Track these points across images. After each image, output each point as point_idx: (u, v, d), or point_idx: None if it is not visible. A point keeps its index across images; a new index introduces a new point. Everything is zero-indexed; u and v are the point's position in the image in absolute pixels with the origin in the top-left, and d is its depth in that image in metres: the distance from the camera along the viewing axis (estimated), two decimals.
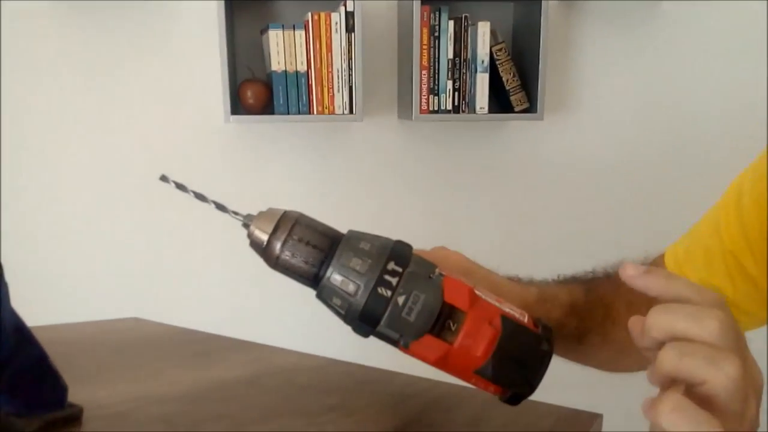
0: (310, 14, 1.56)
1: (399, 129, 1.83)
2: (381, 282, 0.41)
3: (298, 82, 1.58)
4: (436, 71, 1.62)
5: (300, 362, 0.66)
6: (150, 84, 1.71)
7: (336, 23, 1.57)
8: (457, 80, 1.64)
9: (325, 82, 1.58)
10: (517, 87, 1.70)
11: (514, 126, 1.86)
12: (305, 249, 0.43)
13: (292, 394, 0.56)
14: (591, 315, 0.61)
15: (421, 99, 1.62)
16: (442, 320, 0.42)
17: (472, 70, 1.65)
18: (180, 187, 0.50)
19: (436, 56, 1.62)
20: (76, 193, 1.74)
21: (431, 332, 0.42)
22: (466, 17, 1.62)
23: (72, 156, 1.72)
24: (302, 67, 1.57)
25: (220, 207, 0.50)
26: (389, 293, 0.41)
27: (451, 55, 1.62)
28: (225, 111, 1.55)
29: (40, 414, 0.41)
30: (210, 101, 1.67)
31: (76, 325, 0.78)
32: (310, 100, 1.59)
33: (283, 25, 1.56)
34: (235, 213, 0.49)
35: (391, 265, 0.42)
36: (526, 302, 0.58)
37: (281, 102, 1.58)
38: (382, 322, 0.41)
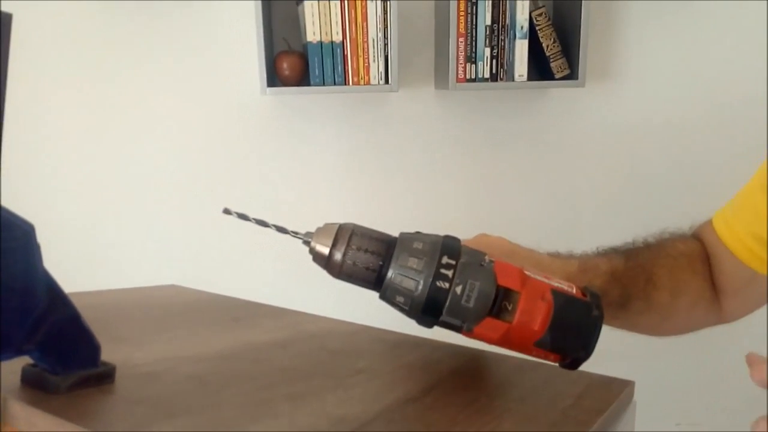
0: None
1: (436, 99, 1.80)
2: (438, 276, 0.45)
3: (333, 52, 1.57)
4: (474, 38, 1.59)
5: (332, 328, 0.66)
6: (186, 57, 1.73)
7: None
8: (495, 47, 1.60)
9: (360, 52, 1.57)
10: (557, 53, 1.65)
11: (555, 94, 1.81)
12: (365, 256, 0.47)
13: (321, 358, 0.57)
14: (632, 281, 0.63)
15: (458, 67, 1.59)
16: (499, 302, 0.47)
17: (511, 37, 1.61)
18: (242, 216, 0.54)
19: (474, 23, 1.58)
20: (115, 165, 1.78)
21: (490, 314, 0.46)
22: None
23: (112, 128, 1.76)
24: (338, 38, 1.57)
25: (281, 229, 0.54)
26: (447, 285, 0.45)
27: (489, 22, 1.59)
28: (261, 83, 1.56)
29: (73, 371, 0.42)
30: (246, 74, 1.68)
31: (115, 291, 0.80)
32: (345, 71, 1.58)
33: None
34: (295, 233, 0.52)
35: (445, 259, 0.46)
36: (569, 274, 0.61)
37: (317, 73, 1.58)
38: (444, 312, 0.46)
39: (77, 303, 0.43)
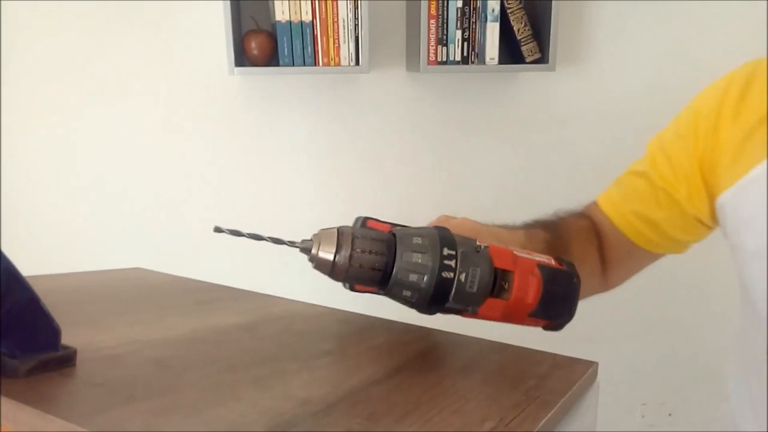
0: None
1: (407, 81, 1.80)
2: (443, 267, 0.48)
3: (303, 32, 1.55)
4: (445, 20, 1.59)
5: (298, 310, 0.66)
6: (153, 36, 1.69)
7: None
8: (467, 30, 1.60)
9: (330, 33, 1.56)
10: (528, 37, 1.66)
11: (525, 77, 1.82)
12: (369, 258, 0.49)
13: (287, 340, 0.57)
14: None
15: (429, 50, 1.59)
16: (497, 283, 0.51)
17: (482, 20, 1.61)
18: (234, 233, 0.53)
19: (445, 5, 1.58)
20: (80, 145, 1.74)
21: (491, 295, 0.50)
22: None
23: (79, 109, 1.72)
24: (307, 17, 1.55)
25: (276, 241, 0.53)
26: (452, 275, 0.48)
27: (460, 4, 1.59)
28: (229, 63, 1.54)
29: (32, 355, 0.41)
30: (214, 53, 1.65)
31: (78, 274, 0.79)
32: (315, 52, 1.56)
33: None
34: (292, 243, 0.52)
35: (446, 251, 0.48)
36: (521, 244, 0.64)
37: (286, 53, 1.56)
38: (450, 300, 0.49)
39: (38, 286, 0.42)
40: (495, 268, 0.50)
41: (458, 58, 1.61)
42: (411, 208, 1.81)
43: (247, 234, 0.54)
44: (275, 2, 1.53)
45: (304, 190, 1.81)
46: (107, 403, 0.37)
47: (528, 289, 0.52)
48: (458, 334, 0.59)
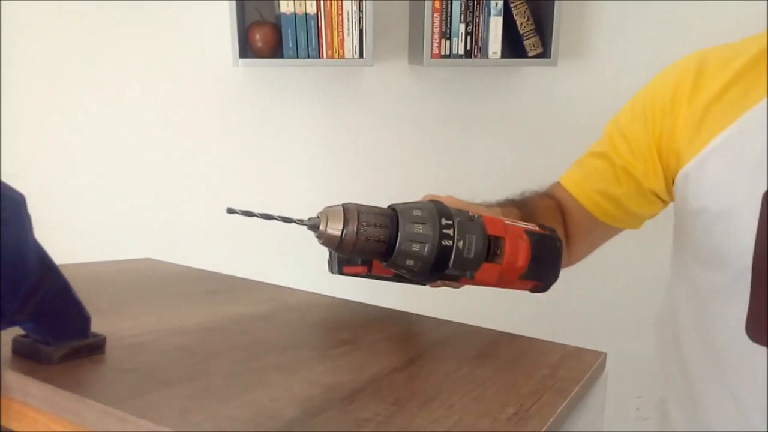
0: None
1: (410, 74, 1.81)
2: (443, 236, 0.51)
3: (307, 24, 1.56)
4: (449, 14, 1.59)
5: (310, 301, 0.68)
6: (158, 28, 1.69)
7: None
8: (470, 24, 1.61)
9: (335, 25, 1.56)
10: (531, 31, 1.67)
11: (528, 71, 1.83)
12: (375, 231, 0.51)
13: (304, 330, 0.58)
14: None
15: (432, 43, 1.60)
16: (491, 249, 0.54)
17: (486, 14, 1.62)
18: (246, 213, 0.54)
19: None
20: (87, 137, 1.75)
21: (486, 260, 0.54)
22: None
23: (85, 101, 1.72)
24: (312, 10, 1.55)
25: (286, 219, 0.54)
26: (450, 243, 0.51)
27: None
28: (233, 54, 1.54)
29: (64, 342, 0.42)
30: (218, 44, 1.65)
31: (92, 264, 0.80)
32: (319, 44, 1.57)
33: None
34: (300, 221, 0.53)
35: (444, 221, 0.52)
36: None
37: (290, 45, 1.56)
38: (450, 266, 0.52)
39: None
40: (488, 235, 0.54)
41: (461, 51, 1.62)
42: (412, 197, 1.82)
43: (258, 214, 0.55)
44: None
45: (306, 180, 1.82)
46: (142, 387, 0.38)
47: (518, 253, 0.56)
48: (468, 325, 0.61)
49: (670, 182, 0.76)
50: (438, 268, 0.52)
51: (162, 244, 1.79)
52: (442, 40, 1.60)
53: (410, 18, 1.76)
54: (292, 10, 1.54)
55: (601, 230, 0.84)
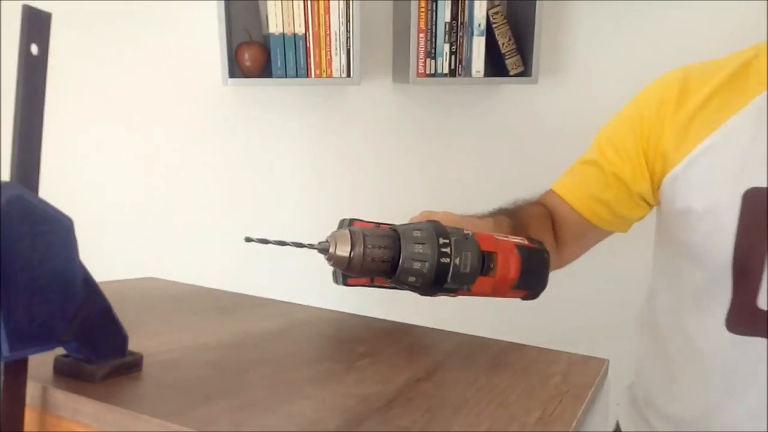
0: None
1: (395, 92, 1.84)
2: (441, 255, 0.56)
3: (296, 45, 1.58)
4: (434, 35, 1.64)
5: (320, 316, 0.70)
6: (148, 48, 1.70)
7: None
8: (454, 44, 1.66)
9: (323, 45, 1.59)
10: (512, 51, 1.72)
11: (509, 89, 1.88)
12: (379, 252, 0.55)
13: (322, 344, 0.60)
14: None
15: (418, 62, 1.64)
16: (485, 263, 0.59)
17: (469, 34, 1.66)
18: (263, 241, 0.58)
19: (434, 19, 1.63)
20: (77, 156, 1.74)
21: (480, 274, 0.59)
22: None
23: (74, 119, 1.72)
24: (300, 30, 1.58)
25: (298, 245, 0.58)
26: (448, 260, 0.56)
27: (448, 18, 1.64)
28: (223, 74, 1.56)
29: (105, 360, 0.44)
30: (207, 64, 1.67)
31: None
32: (308, 63, 1.60)
33: None
34: (311, 245, 0.57)
35: (442, 240, 0.56)
36: (492, 230, 0.73)
37: (279, 65, 1.59)
38: (448, 281, 0.56)
39: None
40: (482, 251, 0.59)
41: (446, 70, 1.66)
42: (398, 213, 1.84)
43: (273, 241, 0.59)
44: (269, 15, 1.56)
45: (295, 198, 1.84)
46: (189, 402, 0.40)
47: (510, 266, 0.61)
48: (474, 336, 0.64)
49: (656, 186, 0.83)
50: (438, 283, 0.57)
51: (150, 261, 1.79)
52: (428, 60, 1.65)
53: (394, 38, 1.80)
54: (281, 31, 1.57)
55: (593, 233, 0.91)
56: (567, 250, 0.91)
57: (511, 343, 0.63)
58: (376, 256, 0.55)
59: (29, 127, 0.41)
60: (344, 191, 1.86)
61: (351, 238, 0.55)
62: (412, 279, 0.56)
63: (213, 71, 1.62)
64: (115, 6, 1.66)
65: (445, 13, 1.63)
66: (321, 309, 0.72)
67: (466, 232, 0.59)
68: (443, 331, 0.65)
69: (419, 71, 1.64)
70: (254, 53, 1.62)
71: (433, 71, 1.66)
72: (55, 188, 1.72)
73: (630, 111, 0.86)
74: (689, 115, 0.78)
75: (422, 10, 1.61)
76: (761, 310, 0.75)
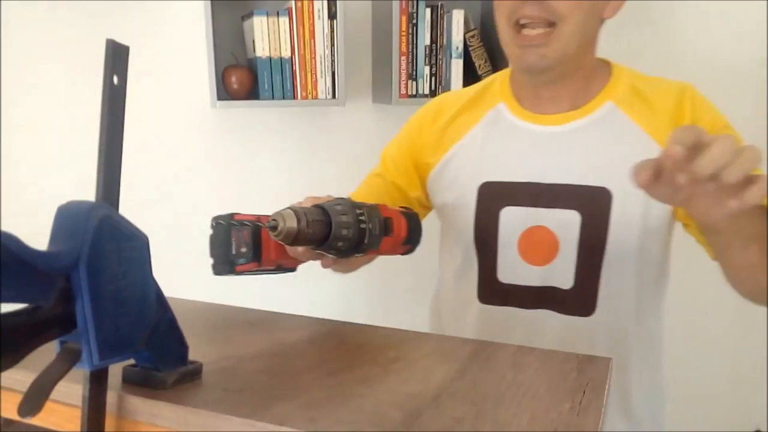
0: (293, 2, 1.60)
1: (376, 112, 1.90)
2: (360, 222, 0.67)
3: (282, 67, 1.63)
4: (415, 57, 1.70)
5: (337, 328, 0.73)
6: (136, 72, 1.72)
7: (319, 10, 1.62)
8: (434, 66, 1.72)
9: (308, 68, 1.64)
10: (488, 72, 1.80)
11: None
12: (318, 223, 0.64)
13: (353, 351, 0.64)
14: None
15: (400, 84, 1.70)
16: (387, 227, 0.73)
17: (448, 56, 1.73)
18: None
19: (414, 43, 1.69)
20: (67, 178, 1.74)
21: (384, 235, 0.72)
22: (441, 5, 1.70)
23: (64, 142, 1.72)
24: (286, 53, 1.62)
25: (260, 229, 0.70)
26: (365, 225, 0.68)
27: (428, 42, 1.70)
28: (211, 96, 1.59)
29: (172, 368, 0.47)
30: (194, 87, 1.70)
31: None
32: (294, 86, 1.64)
33: (267, 12, 1.60)
34: (266, 226, 0.64)
35: (358, 211, 0.68)
36: None
37: (266, 87, 1.63)
38: (365, 242, 0.68)
39: None
40: (384, 217, 0.72)
41: (427, 91, 1.73)
42: None
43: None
44: (256, 39, 1.60)
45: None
46: (261, 403, 0.44)
47: (401, 227, 0.76)
48: (490, 342, 0.69)
49: (425, 190, 1.01)
50: (360, 245, 0.68)
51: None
52: (409, 81, 1.71)
53: (373, 61, 1.86)
54: (268, 54, 1.61)
55: None
56: None
57: (520, 346, 0.68)
58: (316, 227, 0.64)
59: (112, 150, 0.44)
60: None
61: (296, 214, 0.63)
62: (340, 244, 0.66)
63: (201, 94, 1.65)
64: (102, 29, 1.68)
65: (424, 37, 1.70)
66: (335, 321, 0.76)
67: (371, 203, 0.71)
68: (455, 338, 0.70)
69: (401, 92, 1.70)
70: (241, 76, 1.65)
71: (414, 92, 1.72)
72: (35, 216, 1.72)
73: (403, 132, 1.04)
74: (441, 130, 0.98)
75: (403, 34, 1.68)
76: (501, 283, 0.93)
